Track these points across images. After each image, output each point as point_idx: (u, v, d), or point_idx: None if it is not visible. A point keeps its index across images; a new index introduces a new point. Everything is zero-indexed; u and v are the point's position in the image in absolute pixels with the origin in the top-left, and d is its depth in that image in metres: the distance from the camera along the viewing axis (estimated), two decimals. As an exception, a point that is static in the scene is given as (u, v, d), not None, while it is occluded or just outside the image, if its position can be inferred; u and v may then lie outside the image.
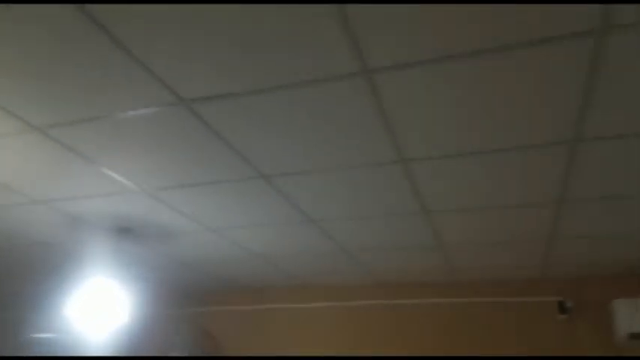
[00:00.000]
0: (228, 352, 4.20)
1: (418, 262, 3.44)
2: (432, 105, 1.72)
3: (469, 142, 1.95)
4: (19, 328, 4.85)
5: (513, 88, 1.63)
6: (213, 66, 1.57)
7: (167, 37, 1.45)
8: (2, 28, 1.44)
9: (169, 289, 4.51)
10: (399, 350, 3.74)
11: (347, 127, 1.87)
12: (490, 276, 3.67)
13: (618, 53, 1.47)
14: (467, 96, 1.67)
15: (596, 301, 3.46)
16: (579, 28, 1.37)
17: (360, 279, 3.94)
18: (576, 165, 2.11)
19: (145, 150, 2.11)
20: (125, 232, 3.06)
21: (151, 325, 4.53)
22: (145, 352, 4.42)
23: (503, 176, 2.21)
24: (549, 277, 3.59)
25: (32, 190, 2.55)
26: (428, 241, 3.03)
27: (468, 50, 1.46)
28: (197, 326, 4.38)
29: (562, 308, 3.44)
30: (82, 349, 4.51)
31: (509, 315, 3.59)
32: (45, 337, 4.62)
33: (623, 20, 1.34)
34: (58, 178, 2.41)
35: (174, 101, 1.75)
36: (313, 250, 3.31)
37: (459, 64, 1.52)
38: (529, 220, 2.67)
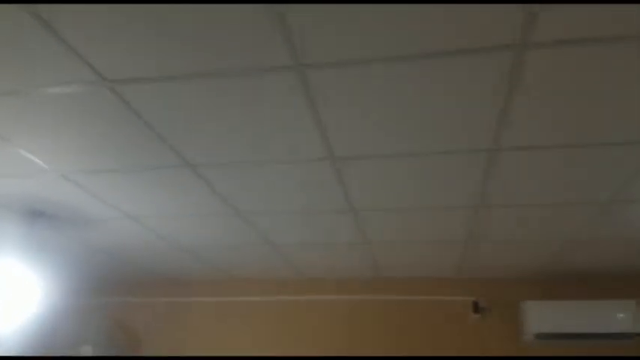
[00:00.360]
0: (146, 346, 4.07)
1: (343, 258, 3.49)
2: (361, 105, 1.74)
3: (395, 145, 2.00)
4: None
5: (433, 95, 1.68)
6: (141, 47, 1.49)
7: (90, 14, 1.36)
8: None
9: (84, 277, 4.29)
10: (319, 345, 3.78)
11: (277, 121, 1.85)
12: (410, 274, 3.78)
13: (535, 68, 1.55)
14: (391, 100, 1.71)
15: (508, 302, 3.66)
16: (499, 41, 1.43)
17: (285, 273, 3.94)
18: (494, 173, 2.21)
19: (63, 130, 1.98)
20: (38, 215, 2.87)
21: (62, 316, 4.29)
22: (54, 345, 4.18)
23: (426, 179, 2.28)
24: (465, 277, 3.76)
25: None
26: (353, 239, 3.08)
27: (390, 55, 1.49)
28: (112, 318, 4.20)
29: (476, 308, 3.61)
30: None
31: (426, 312, 3.73)
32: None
33: (540, 38, 1.41)
34: (-38, 153, 2.22)
35: (97, 80, 1.66)
36: (238, 243, 3.27)
37: (384, 67, 1.54)
38: (449, 223, 2.77)
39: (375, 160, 2.12)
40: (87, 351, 3.93)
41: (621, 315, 3.31)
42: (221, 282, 4.18)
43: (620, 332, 3.27)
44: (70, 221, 2.98)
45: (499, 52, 1.48)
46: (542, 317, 3.39)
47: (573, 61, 1.52)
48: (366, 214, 2.70)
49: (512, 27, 1.37)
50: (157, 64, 1.56)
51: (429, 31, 1.39)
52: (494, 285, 3.73)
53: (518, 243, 3.05)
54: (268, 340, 3.88)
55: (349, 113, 1.79)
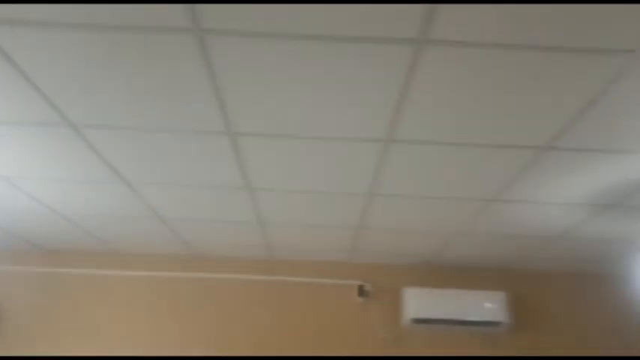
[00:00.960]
0: (10, 316, 3.73)
1: (237, 237, 3.43)
2: (263, 82, 1.69)
3: (294, 126, 1.97)
4: None
5: (334, 80, 1.68)
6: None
7: None
8: None
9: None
10: (202, 324, 3.71)
11: (173, 88, 1.75)
12: (303, 256, 3.83)
13: (432, 64, 1.59)
14: (294, 80, 1.68)
15: (391, 288, 3.83)
16: (399, 34, 1.45)
17: (174, 249, 3.81)
18: (388, 163, 2.27)
19: None
20: None
21: None
22: None
23: (322, 163, 2.29)
24: (354, 261, 3.88)
25: None
26: (247, 218, 3.04)
27: (296, 33, 1.45)
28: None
29: (361, 292, 3.74)
30: None
31: (315, 294, 3.80)
32: None
33: (439, 35, 1.45)
34: None
35: (-41, 15, 1.44)
36: (124, 214, 3.08)
37: (289, 44, 1.51)
38: (342, 208, 2.83)
39: (274, 139, 2.09)
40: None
41: (491, 305, 3.60)
42: (101, 254, 3.94)
43: (489, 320, 3.56)
44: None
45: (399, 45, 1.50)
46: (420, 303, 3.60)
47: (467, 63, 1.59)
48: (261, 193, 2.66)
49: (413, 22, 1.39)
50: (38, 7, 1.39)
51: (333, 16, 1.37)
52: (380, 270, 3.88)
53: (405, 232, 3.19)
54: (149, 318, 3.73)
55: (251, 89, 1.74)
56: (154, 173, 2.47)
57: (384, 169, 2.34)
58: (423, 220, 2.98)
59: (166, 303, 3.77)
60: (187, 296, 3.80)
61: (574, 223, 2.96)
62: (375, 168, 2.33)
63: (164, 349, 3.64)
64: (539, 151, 2.16)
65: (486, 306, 3.58)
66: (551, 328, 3.80)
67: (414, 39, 1.47)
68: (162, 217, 3.10)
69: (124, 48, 1.55)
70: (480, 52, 1.53)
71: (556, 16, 1.39)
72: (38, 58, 1.62)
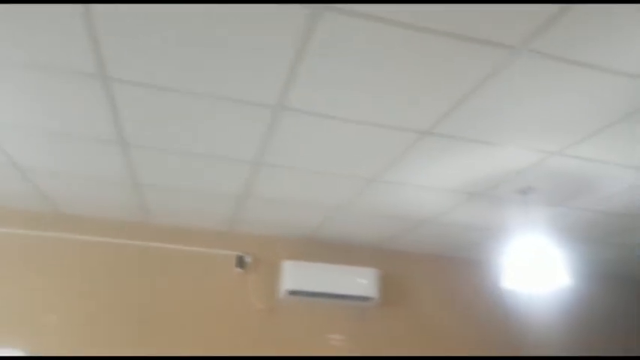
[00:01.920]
0: None
1: (109, 197, 3.18)
2: (143, 30, 1.53)
3: (179, 79, 1.83)
4: None
5: (228, 40, 1.58)
6: None
7: None
8: None
9: None
10: (66, 286, 3.42)
11: (42, 19, 1.52)
12: (182, 223, 3.67)
13: (330, 32, 1.55)
14: (185, 36, 1.54)
15: (270, 259, 3.82)
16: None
17: (36, 205, 3.44)
18: (276, 132, 2.21)
19: None
20: None
21: None
22: None
23: (207, 125, 2.17)
24: (235, 231, 3.80)
25: None
26: (122, 176, 2.81)
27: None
28: None
29: (240, 262, 3.69)
30: None
31: (192, 262, 3.67)
32: None
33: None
34: None
35: None
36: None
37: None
38: (226, 175, 2.72)
39: (155, 91, 1.92)
40: None
41: (363, 280, 3.73)
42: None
43: (360, 295, 3.69)
44: None
45: (296, 9, 1.43)
46: (297, 276, 3.64)
47: (362, 35, 1.56)
48: (138, 150, 2.47)
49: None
50: None
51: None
52: (260, 242, 3.85)
53: (288, 204, 3.17)
54: (11, 278, 3.35)
55: (129, 31, 1.56)
56: (10, 115, 2.17)
57: (272, 138, 2.28)
58: (307, 194, 2.98)
59: (31, 264, 3.41)
60: (54, 258, 3.46)
61: (445, 208, 3.14)
62: (263, 135, 2.25)
63: (27, 310, 3.29)
64: (420, 135, 2.23)
65: (359, 281, 3.71)
66: (417, 305, 4.05)
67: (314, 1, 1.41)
68: (21, 167, 2.76)
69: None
70: (376, 26, 1.52)
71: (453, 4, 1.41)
72: None
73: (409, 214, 3.27)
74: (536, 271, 2.69)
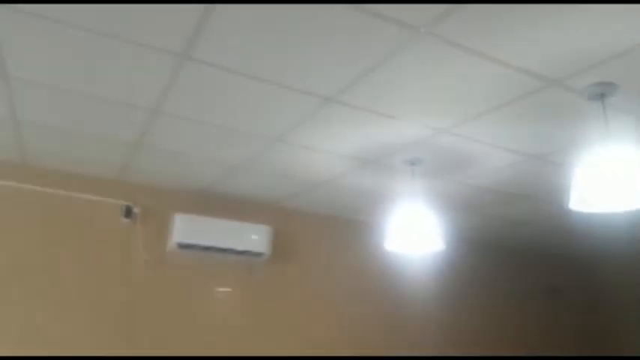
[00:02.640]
0: None
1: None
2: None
3: (78, 15, 1.69)
4: None
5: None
6: None
7: None
8: None
9: None
10: None
11: None
12: (66, 167, 3.43)
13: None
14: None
15: (161, 211, 3.73)
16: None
17: None
18: (179, 81, 2.14)
19: None
20: None
21: None
22: None
23: (107, 65, 2.04)
24: (125, 180, 3.64)
25: None
26: (-2, 111, 2.55)
27: None
28: None
29: (128, 212, 3.56)
30: None
31: (77, 210, 3.47)
32: None
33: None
34: None
35: None
36: None
37: None
38: (119, 121, 2.59)
39: (51, 24, 1.76)
40: None
41: (256, 237, 3.80)
42: None
43: (252, 251, 3.76)
44: None
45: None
46: (188, 229, 3.60)
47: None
48: (20, 84, 2.25)
49: None
50: None
51: None
52: (151, 193, 3.73)
53: (183, 157, 3.10)
54: None
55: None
56: None
57: (174, 87, 2.20)
58: (205, 149, 2.93)
59: None
60: None
61: (340, 173, 3.28)
62: (165, 83, 2.17)
63: None
64: (324, 101, 2.29)
65: (251, 237, 3.78)
66: (307, 263, 4.23)
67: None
68: None
69: None
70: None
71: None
72: None
73: (306, 176, 3.36)
74: (416, 235, 2.94)
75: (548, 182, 3.30)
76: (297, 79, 2.09)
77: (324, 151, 2.91)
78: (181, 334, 3.61)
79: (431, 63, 1.94)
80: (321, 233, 4.38)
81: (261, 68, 2.01)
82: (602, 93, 2.13)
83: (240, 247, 3.74)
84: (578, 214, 2.33)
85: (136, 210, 3.62)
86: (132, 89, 2.23)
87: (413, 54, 1.88)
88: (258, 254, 3.81)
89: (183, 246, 3.60)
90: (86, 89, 2.25)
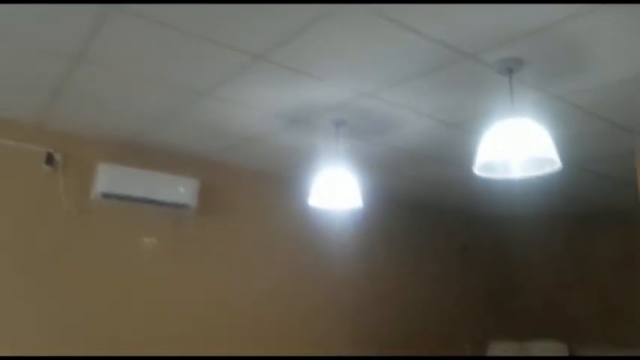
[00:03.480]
0: None
1: None
2: None
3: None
4: None
5: None
6: None
7: None
8: None
9: None
10: None
11: None
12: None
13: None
14: None
15: (84, 160, 3.64)
16: None
17: None
18: (105, 29, 2.10)
19: None
20: None
21: None
22: None
23: (31, 11, 1.96)
24: (46, 126, 3.50)
25: None
26: None
27: None
28: None
29: (49, 159, 3.45)
30: None
31: (-10, 155, 3.33)
32: None
33: None
34: None
35: None
36: None
37: None
38: (42, 65, 2.49)
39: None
40: None
41: (183, 189, 3.82)
42: None
43: (179, 203, 3.79)
44: None
45: None
46: (113, 179, 3.56)
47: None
48: None
49: None
50: None
51: None
52: (74, 141, 3.63)
53: (109, 105, 3.04)
54: None
55: None
56: None
57: (100, 34, 2.15)
58: (131, 98, 2.89)
59: None
60: None
61: (268, 130, 3.35)
62: (90, 29, 2.12)
63: None
64: (254, 59, 2.33)
65: (178, 190, 3.80)
66: (234, 217, 4.31)
67: None
68: None
69: None
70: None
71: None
72: None
73: (234, 131, 3.41)
74: (337, 192, 3.10)
75: (461, 148, 3.55)
76: (227, 35, 2.12)
77: (253, 107, 2.96)
78: (106, 286, 3.62)
79: (357, 29, 2.04)
80: (249, 188, 4.46)
81: (188, 22, 2.02)
82: (510, 68, 2.33)
83: (167, 200, 3.75)
84: (485, 178, 2.57)
85: (58, 157, 3.52)
86: (56, 34, 2.16)
87: (340, 19, 1.96)
88: (185, 207, 3.84)
89: (108, 196, 3.56)
90: (2, 29, 2.16)
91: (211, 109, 3.02)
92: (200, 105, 2.95)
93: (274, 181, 4.61)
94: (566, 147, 3.38)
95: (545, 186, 4.47)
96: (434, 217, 5.81)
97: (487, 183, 3.39)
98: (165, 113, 3.12)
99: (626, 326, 4.23)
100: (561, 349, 5.15)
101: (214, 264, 4.15)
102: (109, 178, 3.56)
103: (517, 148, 2.23)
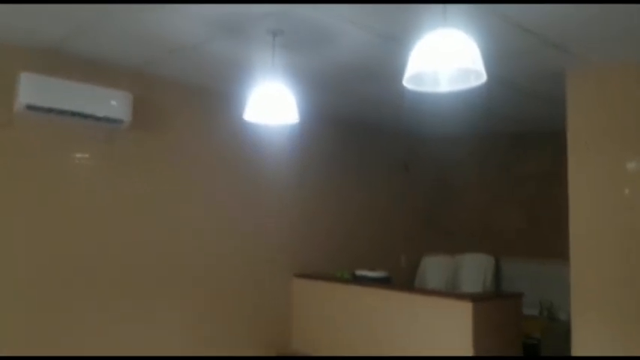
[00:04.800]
0: None
1: None
2: None
3: None
4: None
5: None
6: None
7: None
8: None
9: None
10: None
11: None
12: None
13: None
14: None
15: (5, 69, 3.41)
16: None
17: None
18: None
19: None
20: None
21: None
22: None
23: None
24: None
25: None
26: None
27: None
28: None
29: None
30: None
31: None
32: None
33: None
34: None
35: None
36: None
37: None
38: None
39: None
40: None
41: (114, 102, 3.68)
42: None
43: (111, 117, 3.66)
44: None
45: None
46: (39, 90, 3.37)
47: None
48: None
49: None
50: None
51: None
52: (-7, 49, 3.39)
53: (25, 8, 2.82)
54: None
55: None
56: None
57: None
58: (50, -1, 2.68)
59: None
60: None
61: (202, 39, 3.22)
62: None
63: None
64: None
65: (109, 103, 3.65)
66: (169, 132, 4.23)
67: None
68: None
69: None
70: None
71: None
72: None
73: (166, 40, 3.25)
74: (273, 107, 3.07)
75: (395, 62, 3.54)
76: None
77: (183, 15, 2.82)
78: (33, 204, 3.53)
79: None
80: (184, 103, 4.34)
81: None
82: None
83: (98, 113, 3.61)
84: (424, 95, 2.59)
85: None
86: None
87: None
88: (117, 121, 3.71)
89: (33, 108, 3.39)
90: None
91: (139, 16, 2.85)
92: (127, 11, 2.77)
93: (210, 96, 4.50)
94: (498, 64, 3.43)
95: (478, 105, 4.58)
96: (374, 136, 5.89)
97: (421, 100, 3.42)
98: (88, 17, 2.92)
99: (552, 238, 4.55)
100: (489, 261, 5.54)
101: (149, 181, 4.10)
102: (32, 89, 3.36)
103: (445, 60, 2.24)
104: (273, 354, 4.64)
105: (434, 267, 5.69)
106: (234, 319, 4.53)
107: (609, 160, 2.62)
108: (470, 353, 3.28)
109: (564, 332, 3.01)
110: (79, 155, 3.75)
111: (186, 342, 4.21)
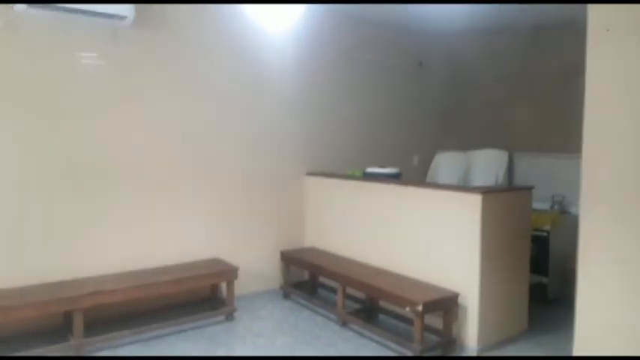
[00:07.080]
0: None
1: None
2: None
3: None
4: None
5: None
6: None
7: None
8: None
9: None
10: None
11: None
12: None
13: None
14: None
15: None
16: None
17: None
18: None
19: None
20: None
21: None
22: None
23: None
24: None
25: None
26: None
27: None
28: None
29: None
30: None
31: None
32: None
33: None
34: None
35: None
36: None
37: None
38: None
39: None
40: None
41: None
42: None
43: (114, 13, 3.53)
44: None
45: None
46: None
47: None
48: None
49: None
50: None
51: None
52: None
53: None
54: None
55: None
56: None
57: None
58: None
59: None
60: None
61: None
62: None
63: None
64: None
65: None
66: (176, 30, 4.09)
67: None
68: None
69: None
70: None
71: None
72: None
73: None
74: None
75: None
76: None
77: None
78: (43, 102, 3.53)
79: None
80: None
81: None
82: None
83: (100, 9, 3.48)
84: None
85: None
86: None
87: None
88: (121, 17, 3.59)
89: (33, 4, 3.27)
90: None
91: None
92: None
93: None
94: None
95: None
96: (388, 33, 5.64)
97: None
98: None
99: (567, 134, 4.46)
100: (502, 156, 5.51)
101: (153, 78, 4.03)
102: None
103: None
104: (288, 248, 4.81)
105: (446, 163, 5.68)
106: (249, 218, 4.66)
107: (630, 49, 2.46)
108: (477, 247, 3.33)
109: (574, 224, 3.05)
110: (84, 53, 3.67)
111: (205, 236, 4.37)
